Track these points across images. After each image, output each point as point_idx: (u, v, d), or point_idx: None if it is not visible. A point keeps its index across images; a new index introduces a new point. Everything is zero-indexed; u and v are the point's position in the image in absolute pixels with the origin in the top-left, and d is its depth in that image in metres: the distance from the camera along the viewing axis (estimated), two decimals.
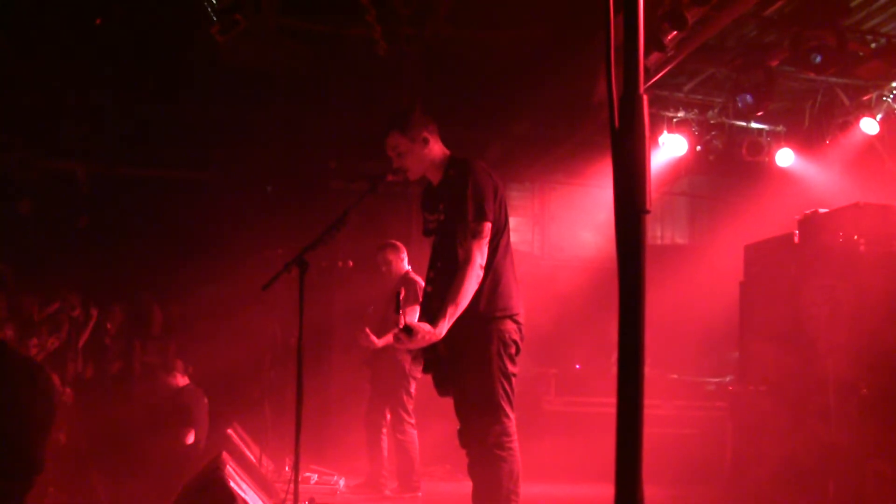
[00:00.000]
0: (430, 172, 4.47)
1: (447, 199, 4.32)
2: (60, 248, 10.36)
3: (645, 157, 1.73)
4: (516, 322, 4.25)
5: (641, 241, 1.72)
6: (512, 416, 4.14)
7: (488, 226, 4.14)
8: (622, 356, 1.71)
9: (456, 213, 4.19)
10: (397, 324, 3.99)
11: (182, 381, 8.38)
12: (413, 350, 4.28)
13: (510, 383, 4.16)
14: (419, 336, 3.98)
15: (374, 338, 7.32)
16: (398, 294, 4.10)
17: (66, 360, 8.63)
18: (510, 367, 4.18)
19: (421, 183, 4.61)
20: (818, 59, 8.26)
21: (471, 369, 4.15)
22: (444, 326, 4.01)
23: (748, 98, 9.44)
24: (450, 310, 4.01)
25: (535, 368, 9.94)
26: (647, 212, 1.72)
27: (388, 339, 7.21)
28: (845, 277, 6.91)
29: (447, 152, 4.46)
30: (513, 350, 4.21)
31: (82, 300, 9.35)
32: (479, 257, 4.08)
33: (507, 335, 4.18)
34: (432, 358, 4.24)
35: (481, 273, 4.09)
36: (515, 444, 4.12)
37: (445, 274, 4.17)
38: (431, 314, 4.10)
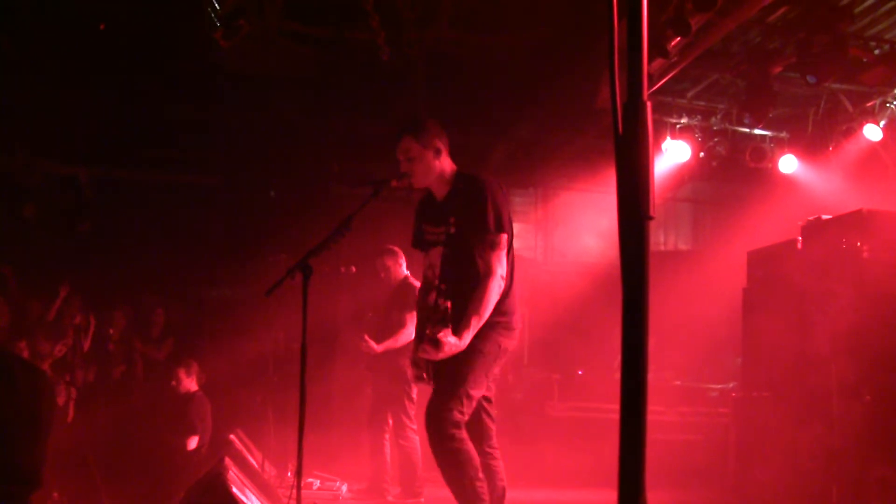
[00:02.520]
0: (435, 184, 4.47)
1: (458, 213, 4.34)
2: (63, 252, 10.36)
3: (649, 164, 1.73)
4: (512, 339, 4.33)
5: (645, 248, 1.71)
6: (466, 415, 4.15)
7: (506, 237, 4.22)
8: (626, 362, 1.70)
9: (471, 226, 4.23)
10: (428, 338, 4.03)
11: (194, 386, 8.40)
12: (415, 359, 4.32)
13: (481, 385, 4.21)
14: (445, 348, 4.03)
15: (372, 343, 7.35)
16: (437, 307, 4.13)
17: (74, 366, 8.65)
18: (492, 369, 4.26)
19: (423, 189, 4.61)
20: (812, 80, 8.32)
21: (456, 357, 4.16)
22: (468, 337, 4.08)
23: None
24: (473, 320, 4.08)
25: (539, 374, 9.93)
26: (651, 218, 1.72)
27: (388, 344, 7.25)
28: (849, 284, 6.90)
29: (455, 168, 4.49)
30: (499, 363, 4.31)
31: (83, 305, 9.36)
32: (500, 268, 4.16)
33: (502, 341, 4.24)
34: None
35: (503, 284, 4.18)
36: (466, 436, 4.14)
37: (459, 287, 4.19)
38: (437, 324, 4.13)
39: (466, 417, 4.15)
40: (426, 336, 4.07)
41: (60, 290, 9.22)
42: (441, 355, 4.07)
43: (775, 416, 7.48)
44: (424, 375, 4.30)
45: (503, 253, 4.18)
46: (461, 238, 4.28)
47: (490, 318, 4.16)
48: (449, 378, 4.18)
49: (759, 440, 7.70)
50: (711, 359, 10.20)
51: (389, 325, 7.49)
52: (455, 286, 4.24)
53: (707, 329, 9.67)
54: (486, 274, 4.12)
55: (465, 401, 4.12)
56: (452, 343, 4.03)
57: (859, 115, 10.11)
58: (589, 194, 12.33)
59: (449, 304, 4.30)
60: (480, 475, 4.11)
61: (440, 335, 4.03)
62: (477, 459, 4.14)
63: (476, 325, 4.07)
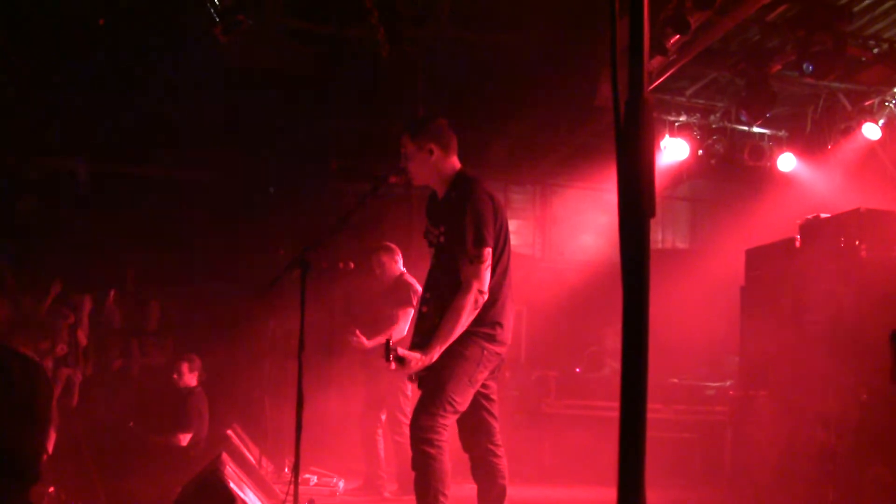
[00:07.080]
0: (435, 184, 4.43)
1: (447, 222, 4.30)
2: (60, 245, 10.34)
3: (651, 161, 1.72)
4: (500, 346, 4.27)
5: (646, 245, 1.71)
6: (449, 420, 4.12)
7: (489, 251, 4.13)
8: (626, 359, 1.70)
9: (455, 239, 4.18)
10: (394, 355, 4.00)
11: (194, 381, 8.40)
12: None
13: (465, 393, 4.15)
14: (411, 364, 4.02)
15: (363, 339, 7.35)
16: (388, 342, 4.07)
17: (69, 360, 8.63)
18: (476, 375, 4.18)
19: (425, 188, 4.58)
20: (810, 68, 8.28)
21: (441, 363, 4.14)
22: (437, 353, 4.05)
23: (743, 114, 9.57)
24: (442, 337, 4.04)
25: (536, 371, 9.93)
26: (653, 215, 1.71)
27: (378, 340, 7.24)
28: (846, 282, 6.91)
29: (457, 168, 4.41)
30: (486, 368, 4.22)
31: (76, 299, 9.33)
32: (478, 283, 4.08)
33: (486, 346, 4.19)
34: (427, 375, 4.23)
35: (482, 298, 4.10)
36: (446, 445, 4.10)
37: (442, 298, 4.17)
38: (424, 335, 4.13)
39: (449, 423, 4.11)
40: (390, 351, 4.01)
41: (52, 287, 9.19)
42: (407, 371, 4.08)
43: (772, 414, 7.49)
44: (413, 375, 4.28)
45: (484, 267, 4.10)
46: (449, 248, 4.24)
47: (474, 328, 4.12)
48: (432, 384, 4.15)
49: (755, 439, 7.71)
50: (709, 357, 10.20)
51: (381, 320, 7.49)
52: (437, 296, 4.24)
53: (704, 327, 9.67)
54: (464, 289, 4.06)
55: (447, 407, 4.07)
56: (417, 359, 4.01)
57: (858, 114, 10.11)
58: (587, 191, 12.36)
59: (425, 309, 4.29)
60: (447, 492, 4.06)
61: (405, 353, 4.01)
62: (449, 475, 4.08)
63: (444, 342, 4.03)
